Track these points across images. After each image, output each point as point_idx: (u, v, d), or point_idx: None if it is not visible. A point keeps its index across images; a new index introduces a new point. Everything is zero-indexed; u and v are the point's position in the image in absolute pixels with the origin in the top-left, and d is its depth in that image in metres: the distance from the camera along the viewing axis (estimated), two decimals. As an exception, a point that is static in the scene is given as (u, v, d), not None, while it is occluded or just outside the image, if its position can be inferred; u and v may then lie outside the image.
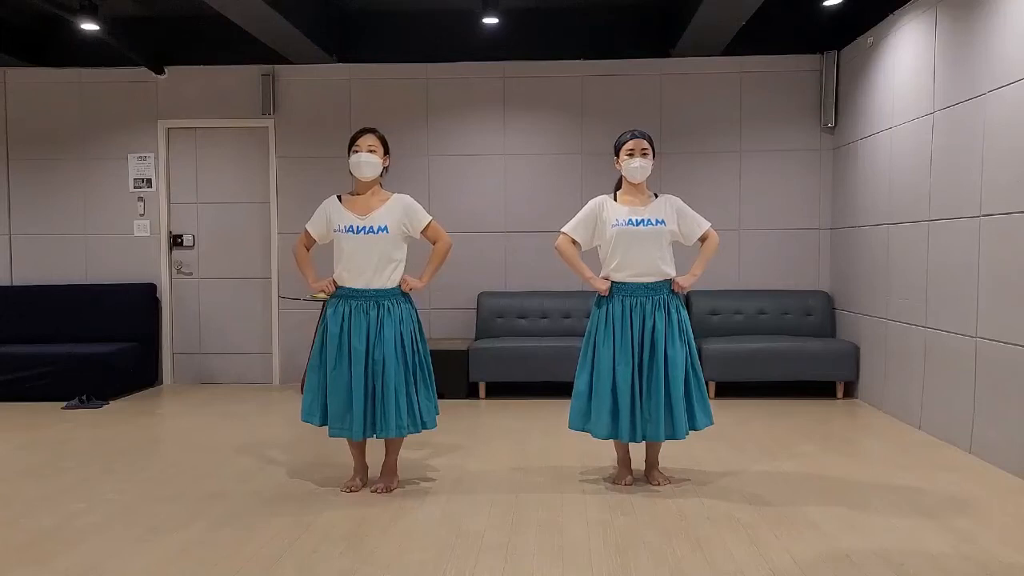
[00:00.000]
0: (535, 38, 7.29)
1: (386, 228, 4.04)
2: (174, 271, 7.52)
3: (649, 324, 4.06)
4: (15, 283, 7.46)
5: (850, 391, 6.61)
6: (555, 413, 6.02)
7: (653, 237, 4.10)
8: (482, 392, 6.68)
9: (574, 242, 4.27)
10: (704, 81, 7.21)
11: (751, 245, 7.18)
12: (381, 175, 4.19)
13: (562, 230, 4.28)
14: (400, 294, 4.10)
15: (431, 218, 4.18)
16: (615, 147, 4.21)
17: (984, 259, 4.66)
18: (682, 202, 4.24)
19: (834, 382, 6.59)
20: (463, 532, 3.55)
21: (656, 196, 4.22)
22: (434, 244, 4.21)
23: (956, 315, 4.97)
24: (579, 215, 4.26)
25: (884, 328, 6.01)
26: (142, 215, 7.47)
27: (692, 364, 4.13)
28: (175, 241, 7.51)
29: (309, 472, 4.54)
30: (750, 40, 6.91)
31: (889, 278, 5.92)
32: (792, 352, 6.51)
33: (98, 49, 7.23)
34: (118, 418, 6.03)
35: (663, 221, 4.11)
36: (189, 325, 7.54)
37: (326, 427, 4.10)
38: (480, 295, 7.18)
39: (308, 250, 4.25)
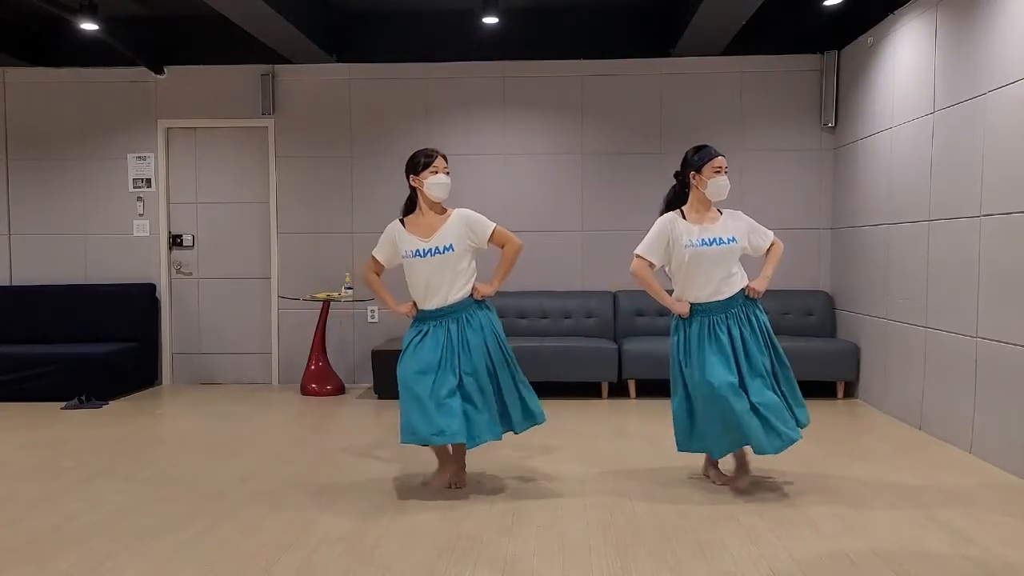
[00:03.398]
0: (535, 38, 7.29)
1: (451, 247, 4.04)
2: (174, 271, 7.52)
3: (736, 334, 4.03)
4: (15, 283, 7.46)
5: (850, 391, 6.61)
6: (555, 413, 6.02)
7: (727, 255, 4.06)
8: (482, 392, 6.67)
9: (650, 264, 4.15)
10: (704, 81, 7.21)
11: (751, 245, 7.17)
12: None
13: (636, 252, 4.14)
14: (475, 303, 4.11)
15: (495, 225, 4.17)
16: (693, 161, 4.09)
17: (984, 259, 4.66)
18: (746, 216, 4.21)
19: (834, 382, 6.58)
20: (463, 532, 3.55)
21: (720, 212, 4.16)
22: (502, 248, 4.20)
23: (956, 315, 4.97)
24: (651, 235, 4.13)
25: (884, 328, 6.01)
26: (141, 215, 7.47)
27: (780, 364, 4.11)
28: (175, 241, 7.51)
29: (309, 472, 4.53)
30: (750, 40, 6.91)
31: (889, 278, 5.92)
32: (792, 352, 6.36)
33: (98, 49, 7.23)
34: (118, 418, 6.03)
35: (735, 239, 4.07)
36: (189, 325, 7.54)
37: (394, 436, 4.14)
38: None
39: (378, 276, 4.24)
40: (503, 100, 7.32)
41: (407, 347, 4.07)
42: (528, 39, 7.28)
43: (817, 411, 6.07)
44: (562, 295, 7.17)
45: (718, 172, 4.06)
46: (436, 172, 4.07)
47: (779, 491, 4.11)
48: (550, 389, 6.57)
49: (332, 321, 7.23)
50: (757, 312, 4.13)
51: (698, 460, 4.40)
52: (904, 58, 5.72)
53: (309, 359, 7.00)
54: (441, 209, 4.16)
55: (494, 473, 4.50)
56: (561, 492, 4.13)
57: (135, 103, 7.43)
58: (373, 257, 4.21)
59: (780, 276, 7.12)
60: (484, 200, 7.27)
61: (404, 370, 4.01)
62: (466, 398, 3.96)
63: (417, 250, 4.04)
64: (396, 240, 4.12)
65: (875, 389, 6.19)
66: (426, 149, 4.16)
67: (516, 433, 4.18)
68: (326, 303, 7.04)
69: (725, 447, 4.04)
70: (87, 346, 6.79)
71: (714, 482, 4.23)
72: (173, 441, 5.42)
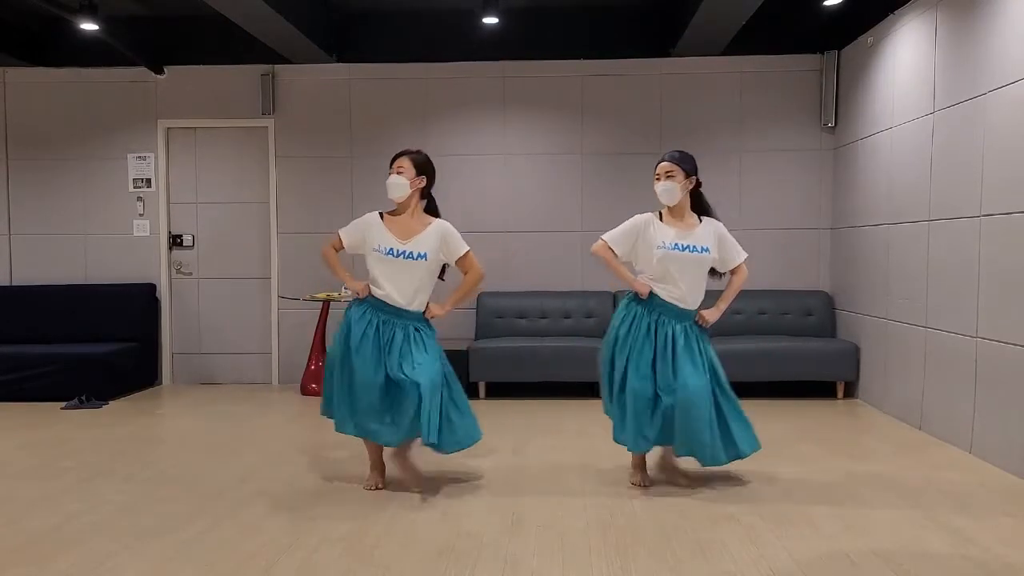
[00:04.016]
0: (535, 38, 7.29)
1: (425, 256, 4.05)
2: (174, 271, 7.52)
3: (680, 340, 4.03)
4: (15, 283, 7.46)
5: (850, 391, 6.61)
6: (555, 413, 6.03)
7: (696, 264, 4.07)
8: (482, 392, 6.68)
9: (612, 252, 4.19)
10: (704, 81, 7.21)
11: (751, 245, 7.07)
12: (423, 197, 4.18)
13: (603, 237, 4.19)
14: (423, 320, 4.12)
15: (468, 248, 4.17)
16: None
17: (984, 259, 4.66)
18: (724, 228, 4.21)
19: (834, 382, 6.59)
20: (463, 532, 3.55)
21: (700, 220, 4.16)
22: (465, 274, 4.20)
23: (956, 315, 4.97)
24: (622, 227, 4.17)
25: (884, 328, 6.01)
26: (141, 215, 7.47)
27: (723, 396, 4.08)
28: (175, 241, 7.50)
29: (309, 472, 4.53)
30: (750, 40, 6.91)
31: (889, 278, 5.92)
32: (792, 352, 6.51)
33: (98, 49, 7.23)
34: (118, 418, 6.03)
35: (708, 249, 4.09)
36: (189, 325, 7.54)
37: (332, 427, 4.15)
38: (480, 295, 7.17)
39: (336, 252, 4.24)
40: (503, 100, 7.32)
41: (358, 336, 4.00)
42: (528, 39, 7.28)
43: (817, 411, 6.09)
44: (562, 295, 7.17)
45: (657, 178, 4.10)
46: (391, 173, 4.12)
47: (779, 491, 4.11)
48: (550, 389, 6.57)
49: (332, 321, 7.21)
50: (701, 336, 4.12)
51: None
52: (904, 58, 5.72)
53: (309, 359, 7.00)
54: (420, 213, 4.16)
55: (493, 473, 4.50)
56: (561, 492, 4.13)
57: (135, 103, 7.43)
58: (339, 235, 4.20)
59: (780, 276, 7.18)
60: (484, 200, 7.30)
61: (356, 367, 3.98)
62: (399, 397, 3.95)
63: (391, 248, 4.04)
64: (366, 231, 4.12)
65: (875, 389, 6.19)
66: (401, 150, 4.23)
67: (446, 453, 4.09)
68: (326, 303, 7.04)
69: (628, 437, 4.09)
70: (87, 346, 6.78)
71: (644, 484, 4.20)
72: (173, 441, 5.42)
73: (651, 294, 4.09)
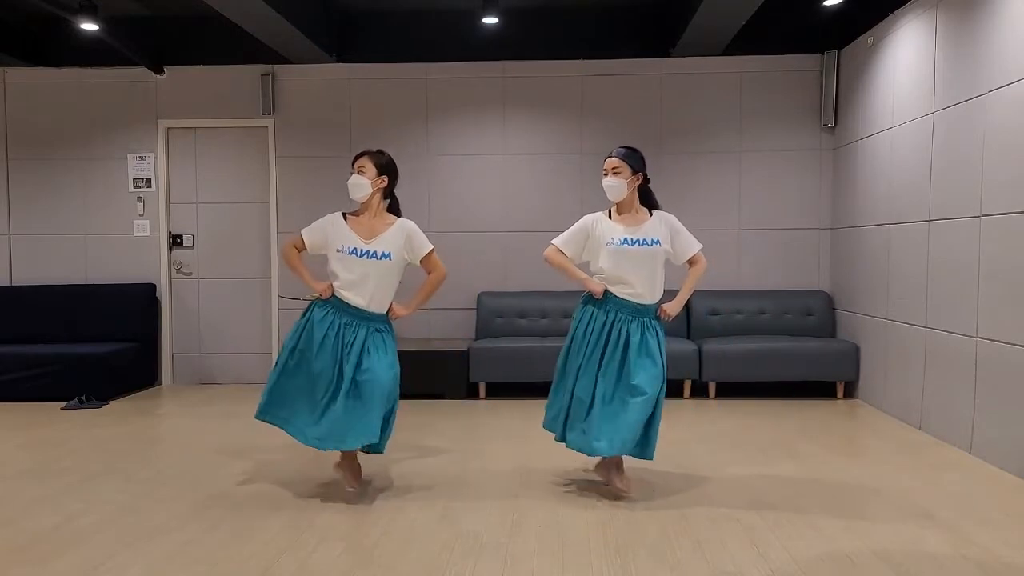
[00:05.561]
0: (535, 38, 7.29)
1: (389, 255, 4.03)
2: (174, 271, 7.52)
3: (634, 341, 3.99)
4: (15, 283, 7.46)
5: (850, 391, 6.61)
6: (555, 413, 6.02)
7: (648, 257, 4.04)
8: (482, 392, 6.68)
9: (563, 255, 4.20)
10: (704, 81, 7.21)
11: (751, 245, 7.18)
12: (385, 197, 4.15)
13: (552, 242, 4.22)
14: (386, 321, 4.11)
15: (432, 247, 4.16)
16: None
17: (984, 259, 4.66)
18: (676, 220, 4.18)
19: (834, 382, 6.59)
20: (463, 532, 3.56)
21: (651, 214, 4.14)
22: (429, 274, 4.19)
23: (956, 315, 4.97)
24: (571, 230, 4.19)
25: (884, 328, 6.01)
26: (142, 215, 7.47)
27: (660, 396, 4.01)
28: (175, 241, 7.50)
29: (309, 472, 4.53)
30: (750, 40, 6.91)
31: (889, 278, 5.92)
32: (792, 352, 6.51)
33: (98, 49, 7.23)
34: (118, 418, 6.02)
35: (658, 241, 4.06)
36: (189, 325, 7.54)
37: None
38: (480, 295, 7.18)
39: (298, 252, 4.21)
40: (503, 100, 7.32)
41: (318, 339, 3.99)
42: (528, 39, 7.28)
43: (817, 411, 6.09)
44: (562, 295, 7.16)
45: (604, 174, 4.10)
46: (352, 173, 4.11)
47: (779, 491, 4.12)
48: (549, 389, 6.56)
49: (332, 321, 7.22)
50: (659, 332, 4.07)
51: (698, 462, 4.39)
52: (904, 58, 5.72)
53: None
54: (383, 212, 4.14)
55: (494, 473, 4.50)
56: (561, 492, 4.13)
57: (135, 103, 7.43)
58: (301, 236, 4.15)
59: (780, 276, 7.18)
60: (484, 200, 7.30)
61: (313, 370, 3.99)
62: (354, 396, 3.94)
63: (355, 248, 4.01)
64: (328, 232, 4.08)
65: (875, 389, 6.19)
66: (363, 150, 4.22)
67: (357, 448, 4.05)
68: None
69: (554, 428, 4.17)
70: (87, 346, 6.78)
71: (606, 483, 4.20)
72: (173, 441, 5.42)
73: (606, 293, 4.08)
